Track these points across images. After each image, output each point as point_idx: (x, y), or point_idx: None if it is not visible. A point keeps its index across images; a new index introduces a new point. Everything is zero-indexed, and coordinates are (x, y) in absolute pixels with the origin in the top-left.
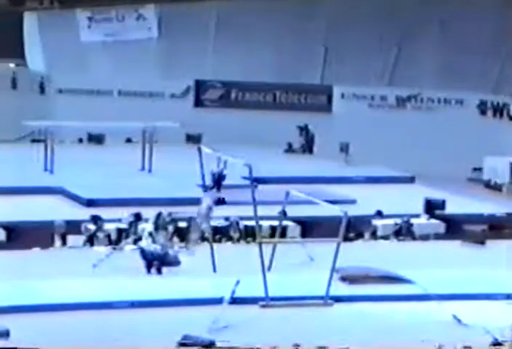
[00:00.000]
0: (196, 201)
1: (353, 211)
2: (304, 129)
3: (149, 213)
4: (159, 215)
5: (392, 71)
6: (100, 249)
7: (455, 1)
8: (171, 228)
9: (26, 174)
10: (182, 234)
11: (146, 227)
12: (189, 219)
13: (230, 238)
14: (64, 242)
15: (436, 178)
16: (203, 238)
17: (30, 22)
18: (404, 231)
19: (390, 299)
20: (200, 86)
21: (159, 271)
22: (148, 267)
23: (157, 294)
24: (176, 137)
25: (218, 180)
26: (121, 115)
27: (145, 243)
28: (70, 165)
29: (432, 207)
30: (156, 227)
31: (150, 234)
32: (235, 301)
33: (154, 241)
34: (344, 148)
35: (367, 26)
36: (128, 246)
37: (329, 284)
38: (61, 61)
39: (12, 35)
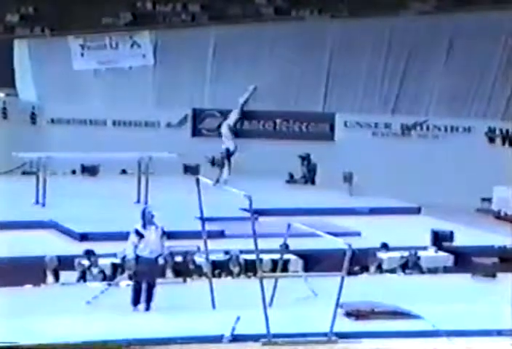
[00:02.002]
0: (193, 235)
1: (357, 243)
2: (305, 159)
3: None
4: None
5: (396, 98)
6: (94, 285)
7: (462, 27)
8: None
9: (17, 207)
10: (177, 269)
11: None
12: (185, 254)
13: (229, 273)
14: (56, 278)
15: (444, 209)
16: (201, 273)
17: (20, 50)
18: (410, 264)
19: (398, 335)
20: (197, 115)
21: (147, 307)
22: (136, 300)
23: (154, 331)
24: (173, 167)
25: None
26: (116, 145)
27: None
28: (63, 198)
29: (440, 239)
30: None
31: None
32: (235, 338)
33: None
34: (347, 178)
35: (371, 52)
36: (123, 282)
37: (334, 320)
38: (53, 90)
39: (1, 63)
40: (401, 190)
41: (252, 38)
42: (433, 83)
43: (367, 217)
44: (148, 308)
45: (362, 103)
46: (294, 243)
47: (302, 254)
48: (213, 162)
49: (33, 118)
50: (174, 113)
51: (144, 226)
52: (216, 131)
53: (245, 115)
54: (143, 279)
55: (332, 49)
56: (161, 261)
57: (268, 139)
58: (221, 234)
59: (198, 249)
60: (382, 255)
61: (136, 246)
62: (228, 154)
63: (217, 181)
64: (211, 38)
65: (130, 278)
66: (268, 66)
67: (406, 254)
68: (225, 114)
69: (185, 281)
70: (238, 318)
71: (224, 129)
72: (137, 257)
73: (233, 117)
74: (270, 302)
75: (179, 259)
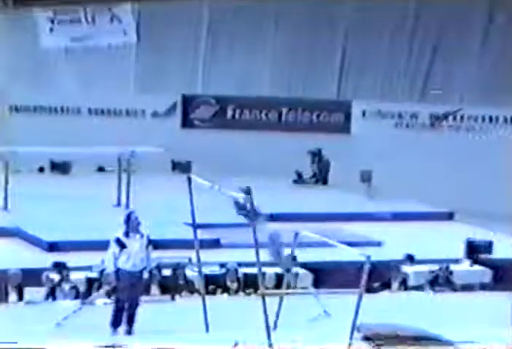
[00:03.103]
0: (183, 244)
1: (377, 255)
2: (316, 155)
3: None
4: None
5: (424, 83)
6: (66, 304)
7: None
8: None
9: None
10: (165, 284)
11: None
12: (174, 267)
13: (226, 289)
14: (20, 296)
15: (480, 214)
16: (192, 290)
17: None
18: (441, 280)
19: None
20: (188, 103)
21: (129, 330)
22: (116, 321)
23: None
24: (159, 164)
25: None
26: (92, 138)
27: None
28: (29, 200)
29: (475, 250)
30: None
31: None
32: None
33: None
34: (366, 178)
35: (394, 29)
36: (100, 300)
37: (350, 345)
38: (17, 72)
39: None
40: (429, 192)
41: (252, 12)
42: (467, 65)
43: (389, 224)
44: (129, 331)
45: (383, 89)
46: (303, 255)
47: (313, 268)
48: None
49: None
50: (161, 100)
51: (127, 234)
52: (210, 122)
53: (245, 102)
54: (125, 297)
55: (347, 26)
56: (146, 275)
57: (271, 131)
58: (216, 243)
59: (190, 260)
60: (407, 269)
61: (116, 258)
62: None
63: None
64: (204, 11)
65: (108, 295)
66: (272, 45)
67: (435, 267)
68: (221, 101)
69: (173, 298)
70: (236, 343)
71: None
72: (118, 271)
73: None
74: (275, 324)
75: (167, 272)
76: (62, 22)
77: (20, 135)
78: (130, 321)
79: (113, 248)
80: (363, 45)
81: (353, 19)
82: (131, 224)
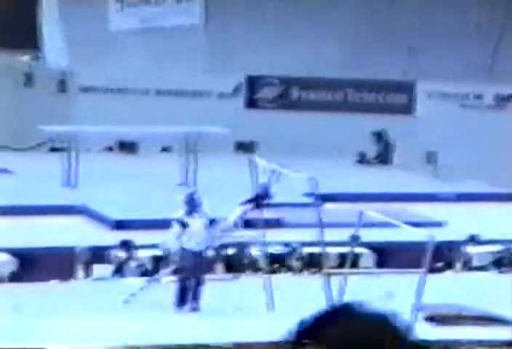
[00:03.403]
0: (248, 223)
1: (441, 235)
2: (381, 136)
3: None
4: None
5: (491, 64)
6: (132, 281)
7: None
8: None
9: (43, 189)
10: (230, 263)
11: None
12: (238, 246)
13: (290, 268)
14: (88, 273)
15: None
16: (256, 269)
17: (49, 5)
18: (505, 261)
19: (488, 344)
20: (253, 83)
21: (195, 307)
22: (181, 299)
23: (200, 336)
24: (224, 144)
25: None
26: (159, 118)
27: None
28: (97, 179)
29: None
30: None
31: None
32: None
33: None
34: (431, 158)
35: (461, 10)
36: (166, 278)
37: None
38: (86, 53)
39: (26, 21)
40: (494, 172)
41: None
42: None
43: (454, 204)
44: (195, 308)
45: (449, 68)
46: (367, 235)
47: (376, 248)
48: None
49: (63, 85)
50: (226, 80)
51: (189, 214)
52: (275, 103)
53: (310, 83)
54: (189, 275)
55: (412, 4)
56: (209, 253)
57: (336, 111)
58: (280, 223)
59: (254, 240)
60: (471, 250)
61: (179, 238)
62: None
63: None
64: None
65: (174, 273)
66: (338, 25)
67: (499, 248)
68: (286, 82)
69: (237, 277)
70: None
71: None
72: (181, 250)
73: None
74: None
75: (231, 251)
76: (131, 4)
77: (90, 115)
78: (195, 299)
79: (175, 228)
80: (429, 27)
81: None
82: (193, 204)
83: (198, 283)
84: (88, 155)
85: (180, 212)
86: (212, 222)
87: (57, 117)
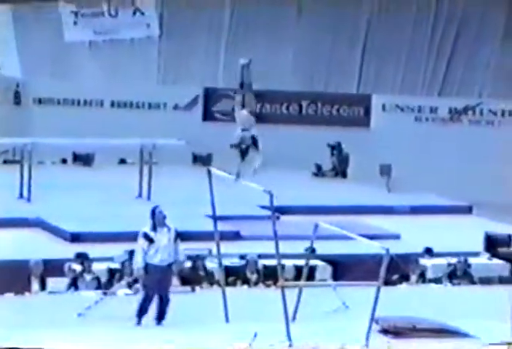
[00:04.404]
0: (204, 236)
1: (396, 248)
2: (336, 148)
3: None
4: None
5: (444, 77)
6: (87, 294)
7: None
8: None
9: None
10: (185, 276)
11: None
12: (194, 258)
13: (246, 281)
14: (43, 286)
15: (499, 208)
16: (212, 281)
17: (2, 17)
18: (459, 273)
19: None
20: (210, 96)
21: (159, 320)
22: (140, 312)
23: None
24: (181, 157)
25: None
26: (114, 130)
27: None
28: (51, 191)
29: (494, 244)
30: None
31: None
32: None
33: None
34: (385, 171)
35: (415, 21)
36: (121, 290)
37: (368, 338)
38: (41, 65)
39: None
40: (448, 185)
41: (274, 6)
42: (488, 58)
43: (408, 217)
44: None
45: (403, 83)
46: (322, 247)
47: (331, 260)
48: (242, 150)
49: (17, 97)
50: (182, 93)
51: (154, 228)
52: (232, 115)
53: (266, 96)
54: (154, 291)
55: (369, 18)
56: (174, 269)
57: (292, 124)
58: (236, 235)
59: (210, 252)
60: (426, 262)
61: (146, 253)
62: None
63: (238, 176)
64: (227, 4)
65: (129, 286)
66: (293, 39)
67: (454, 260)
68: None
69: (193, 289)
70: (255, 334)
71: (245, 113)
72: (146, 266)
73: (250, 100)
74: (294, 315)
75: (187, 264)
76: (85, 16)
77: (43, 127)
78: (161, 317)
79: (141, 243)
80: (383, 38)
81: (374, 12)
82: (156, 218)
83: (165, 299)
84: (42, 168)
85: (145, 227)
86: (178, 236)
87: (11, 129)
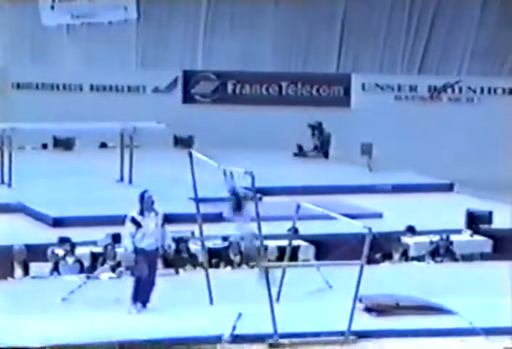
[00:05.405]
0: (186, 218)
1: (378, 226)
2: (317, 128)
3: None
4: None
5: (423, 55)
6: (71, 279)
7: None
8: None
9: None
10: (168, 258)
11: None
12: (177, 241)
13: (229, 263)
14: (26, 271)
15: (480, 185)
16: (196, 263)
17: None
18: (441, 251)
19: (427, 333)
20: (189, 78)
21: (144, 303)
22: (135, 296)
23: (142, 331)
24: (161, 140)
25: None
26: (94, 114)
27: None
28: (32, 177)
29: (476, 221)
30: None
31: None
32: (236, 339)
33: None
34: (366, 150)
35: (392, 2)
36: (104, 274)
37: (352, 316)
38: (19, 50)
39: None
40: (429, 164)
41: None
42: (466, 36)
43: (390, 196)
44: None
45: (383, 62)
46: (305, 227)
47: (314, 240)
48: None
49: None
50: (162, 75)
51: (141, 213)
52: (211, 97)
53: (245, 77)
54: (142, 274)
55: None
56: (160, 252)
57: (272, 105)
58: (219, 217)
59: (193, 234)
60: (408, 240)
61: (133, 237)
62: None
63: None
64: None
65: (113, 269)
66: (272, 19)
67: (436, 238)
68: (221, 76)
69: (177, 272)
70: (239, 315)
71: None
72: (135, 249)
73: None
74: (277, 296)
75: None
76: (62, 0)
77: (23, 112)
78: (145, 301)
79: (129, 227)
80: (362, 18)
81: None
82: (145, 203)
83: (150, 283)
84: (23, 153)
85: (133, 212)
86: (165, 220)
87: None
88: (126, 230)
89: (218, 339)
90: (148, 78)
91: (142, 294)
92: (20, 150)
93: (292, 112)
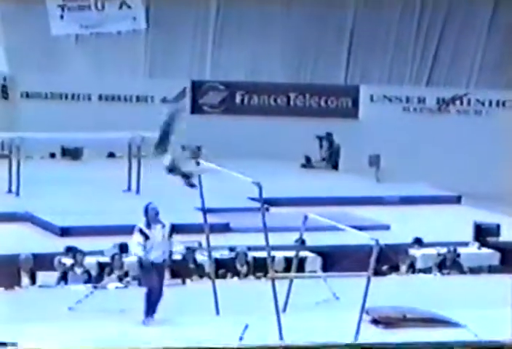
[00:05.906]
0: (193, 229)
1: (386, 238)
2: (325, 139)
3: None
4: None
5: (431, 67)
6: (78, 288)
7: None
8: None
9: None
10: (175, 268)
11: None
12: (184, 251)
13: (236, 273)
14: (33, 280)
15: (488, 198)
16: (202, 274)
17: None
18: (449, 263)
19: (434, 346)
20: (198, 89)
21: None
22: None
23: (147, 342)
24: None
25: None
26: (102, 124)
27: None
28: (40, 186)
29: (483, 233)
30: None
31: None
32: None
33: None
34: (374, 162)
35: (402, 12)
36: (111, 284)
37: (358, 328)
38: (28, 59)
39: None
40: (437, 175)
41: None
42: (475, 49)
43: (397, 208)
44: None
45: (391, 73)
46: (312, 239)
47: (321, 251)
48: None
49: (5, 91)
50: (170, 85)
51: (148, 225)
52: (219, 108)
53: (253, 88)
54: (150, 286)
55: (355, 9)
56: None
57: (280, 116)
58: (226, 227)
59: (200, 245)
60: (415, 252)
61: (144, 247)
62: None
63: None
64: None
65: (120, 279)
66: (281, 29)
67: (443, 250)
68: (230, 87)
69: (184, 282)
70: (246, 326)
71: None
72: (141, 260)
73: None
74: (284, 306)
75: (177, 257)
76: (72, 9)
77: (31, 121)
78: (152, 312)
79: (137, 238)
80: (370, 29)
81: (360, 3)
82: (149, 215)
83: (157, 294)
84: (31, 162)
85: (141, 224)
86: (173, 230)
87: None
88: (134, 240)
89: None
90: (156, 88)
91: (150, 305)
92: (28, 160)
93: (300, 123)
